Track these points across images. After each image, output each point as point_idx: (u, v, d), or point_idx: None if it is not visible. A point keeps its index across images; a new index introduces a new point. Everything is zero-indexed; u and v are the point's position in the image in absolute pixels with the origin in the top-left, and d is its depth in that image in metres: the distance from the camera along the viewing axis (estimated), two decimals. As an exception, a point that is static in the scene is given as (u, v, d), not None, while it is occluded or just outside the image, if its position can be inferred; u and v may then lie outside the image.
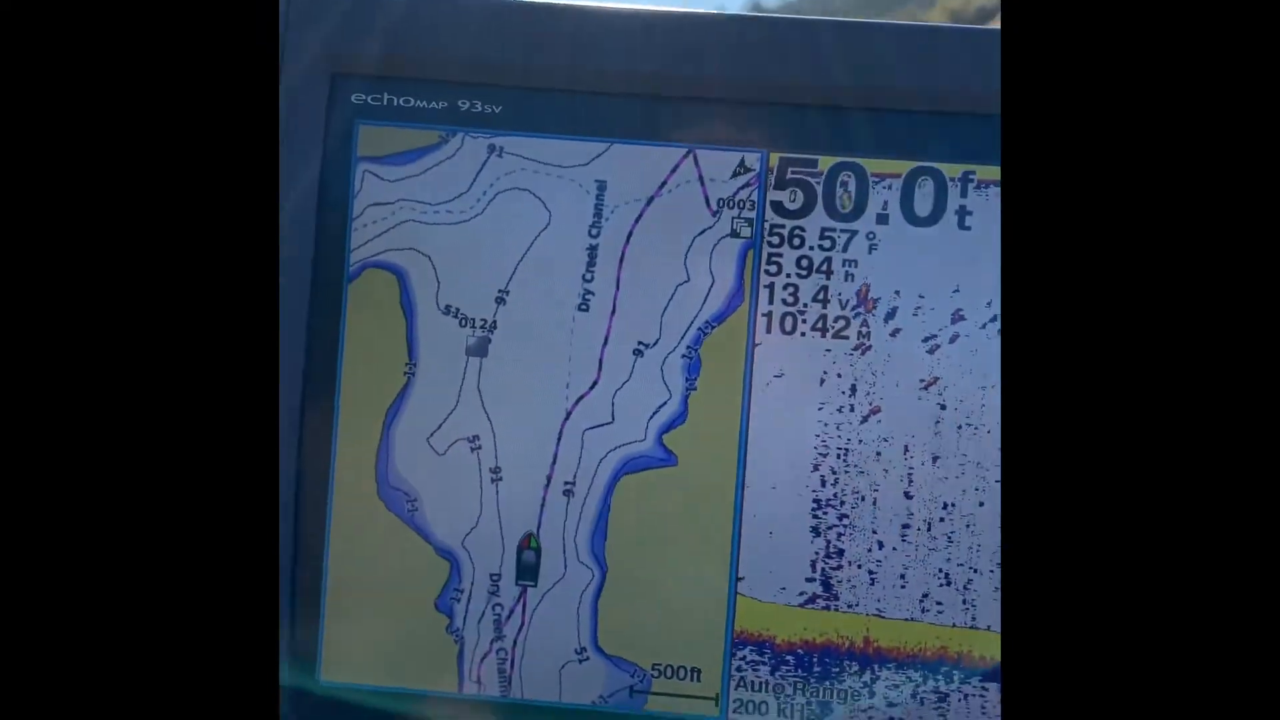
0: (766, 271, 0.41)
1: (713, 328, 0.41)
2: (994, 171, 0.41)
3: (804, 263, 0.41)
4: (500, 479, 0.40)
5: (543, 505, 0.40)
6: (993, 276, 0.41)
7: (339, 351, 0.40)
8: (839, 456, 0.41)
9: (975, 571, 0.41)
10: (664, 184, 0.40)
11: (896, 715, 0.41)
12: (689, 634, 0.41)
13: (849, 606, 0.41)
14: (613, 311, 0.40)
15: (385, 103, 0.40)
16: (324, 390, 0.40)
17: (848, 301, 0.41)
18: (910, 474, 0.41)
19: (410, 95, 0.41)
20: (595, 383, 0.40)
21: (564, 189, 0.40)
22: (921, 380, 0.41)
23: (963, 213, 0.41)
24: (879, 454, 0.41)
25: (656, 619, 0.41)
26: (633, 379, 0.40)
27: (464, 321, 0.40)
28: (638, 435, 0.40)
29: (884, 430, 0.41)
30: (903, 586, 0.41)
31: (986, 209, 0.41)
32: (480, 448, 0.40)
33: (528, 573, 0.41)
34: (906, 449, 0.41)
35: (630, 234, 0.40)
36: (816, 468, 0.41)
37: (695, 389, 0.40)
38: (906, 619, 0.41)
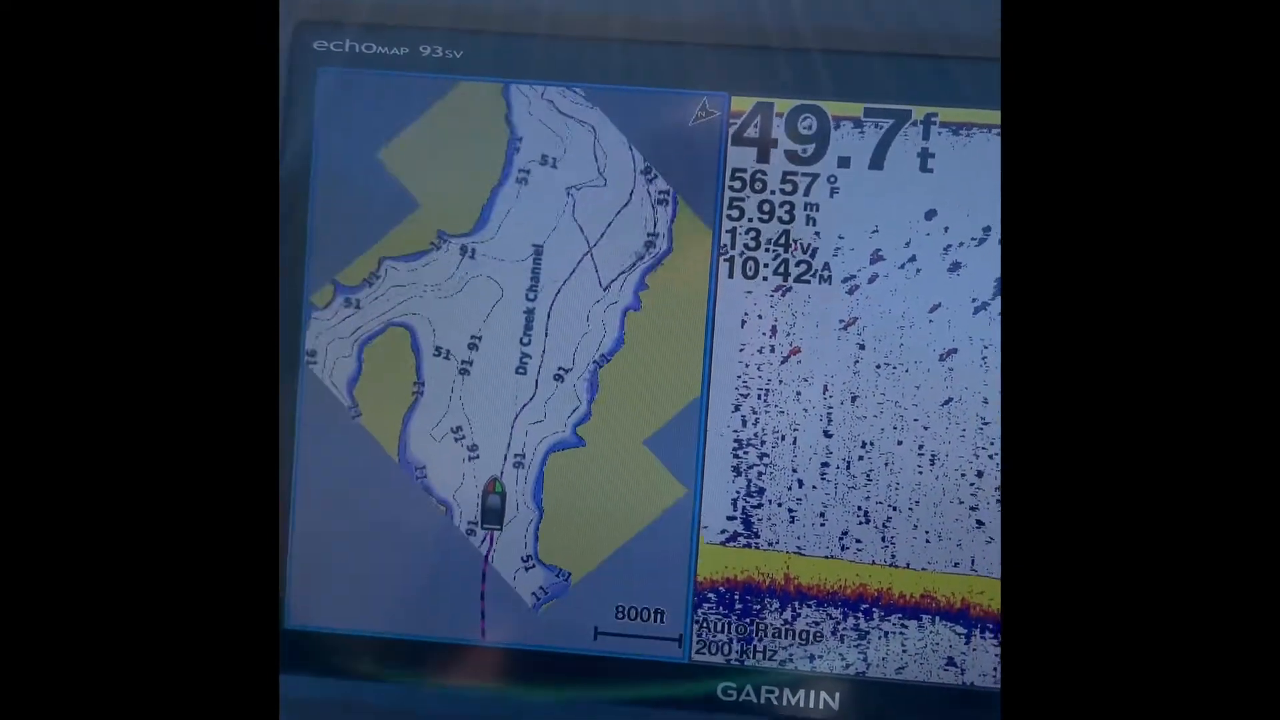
0: (729, 216, 0.42)
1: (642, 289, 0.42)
2: (956, 114, 0.42)
3: (765, 207, 0.42)
4: (476, 456, 0.43)
5: (501, 472, 0.42)
6: (917, 217, 0.41)
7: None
8: (759, 397, 0.41)
9: (894, 509, 0.41)
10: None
11: (816, 653, 0.41)
12: (651, 574, 0.42)
13: (769, 544, 0.41)
14: (540, 365, 0.43)
15: (347, 49, 0.43)
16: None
17: (809, 246, 0.42)
18: (829, 413, 0.41)
19: (371, 41, 0.43)
20: (533, 396, 0.43)
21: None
22: (841, 321, 0.41)
23: (925, 155, 0.41)
24: (799, 394, 0.41)
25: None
26: (556, 393, 0.43)
27: (449, 358, 0.43)
28: (560, 428, 0.42)
29: (803, 370, 0.41)
30: (822, 524, 0.41)
31: (949, 152, 0.42)
32: (462, 436, 0.43)
33: (493, 516, 0.43)
34: (825, 388, 0.41)
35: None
36: (737, 408, 0.41)
37: (596, 399, 0.43)
38: (826, 556, 0.41)
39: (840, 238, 0.41)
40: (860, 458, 0.41)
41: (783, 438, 0.41)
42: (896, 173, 0.42)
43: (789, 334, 0.41)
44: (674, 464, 0.42)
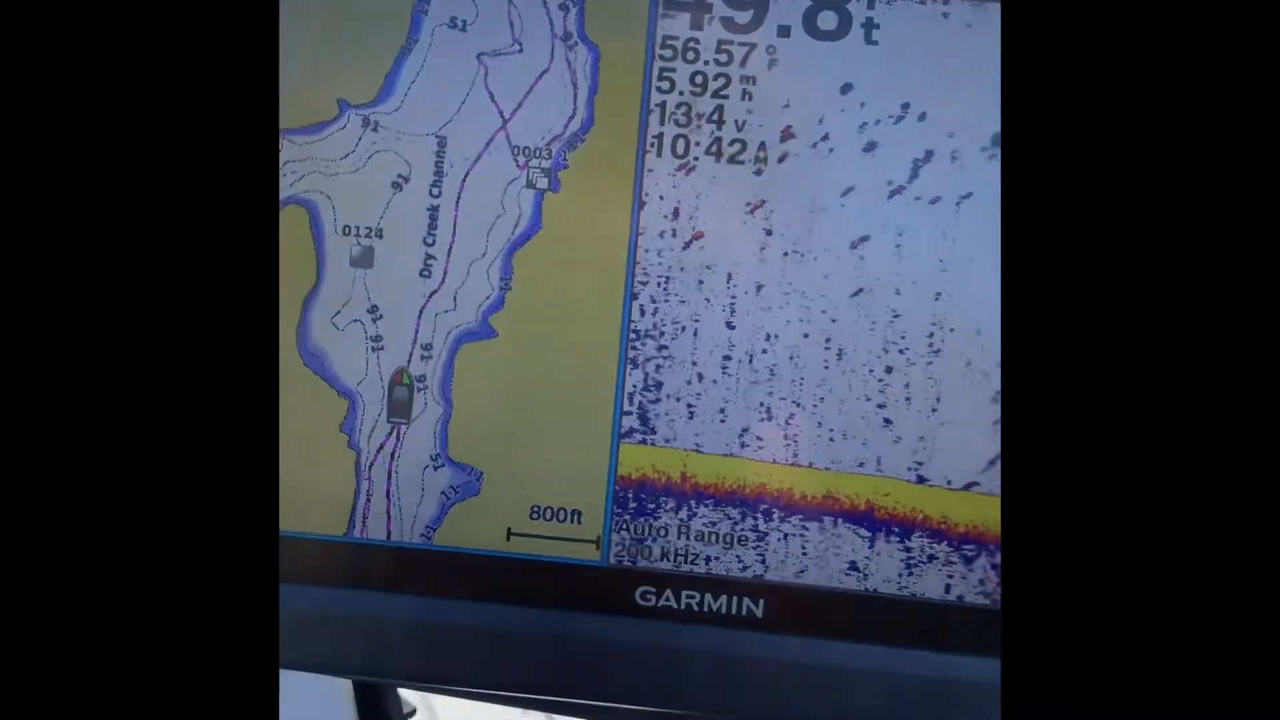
0: (658, 89, 0.39)
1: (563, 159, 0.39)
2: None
3: (698, 79, 0.39)
4: (381, 347, 0.40)
5: (409, 362, 0.41)
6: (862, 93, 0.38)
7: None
8: (659, 284, 0.39)
9: (798, 406, 0.39)
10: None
11: (714, 554, 0.39)
12: (568, 474, 0.41)
13: (666, 441, 0.39)
14: (449, 250, 0.41)
15: None
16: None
17: (742, 123, 0.39)
18: (733, 303, 0.39)
19: None
20: (442, 283, 0.40)
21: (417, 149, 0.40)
22: (747, 204, 0.39)
23: (870, 25, 0.39)
24: (700, 282, 0.39)
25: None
26: (466, 281, 0.40)
27: (351, 235, 0.41)
28: (471, 318, 0.40)
29: (706, 257, 0.39)
30: (722, 421, 0.39)
31: (895, 22, 0.39)
32: (365, 325, 0.41)
33: (400, 410, 0.41)
34: (729, 277, 0.39)
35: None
36: (635, 296, 0.39)
37: (510, 287, 0.40)
38: (725, 454, 0.39)
39: (749, 113, 0.39)
40: (764, 351, 0.39)
41: (683, 329, 0.39)
42: (840, 45, 0.39)
43: (691, 218, 0.39)
44: (591, 356, 0.40)
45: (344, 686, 0.54)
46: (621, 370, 0.39)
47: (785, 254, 0.39)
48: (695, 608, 0.40)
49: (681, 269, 0.39)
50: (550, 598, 0.41)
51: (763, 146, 0.39)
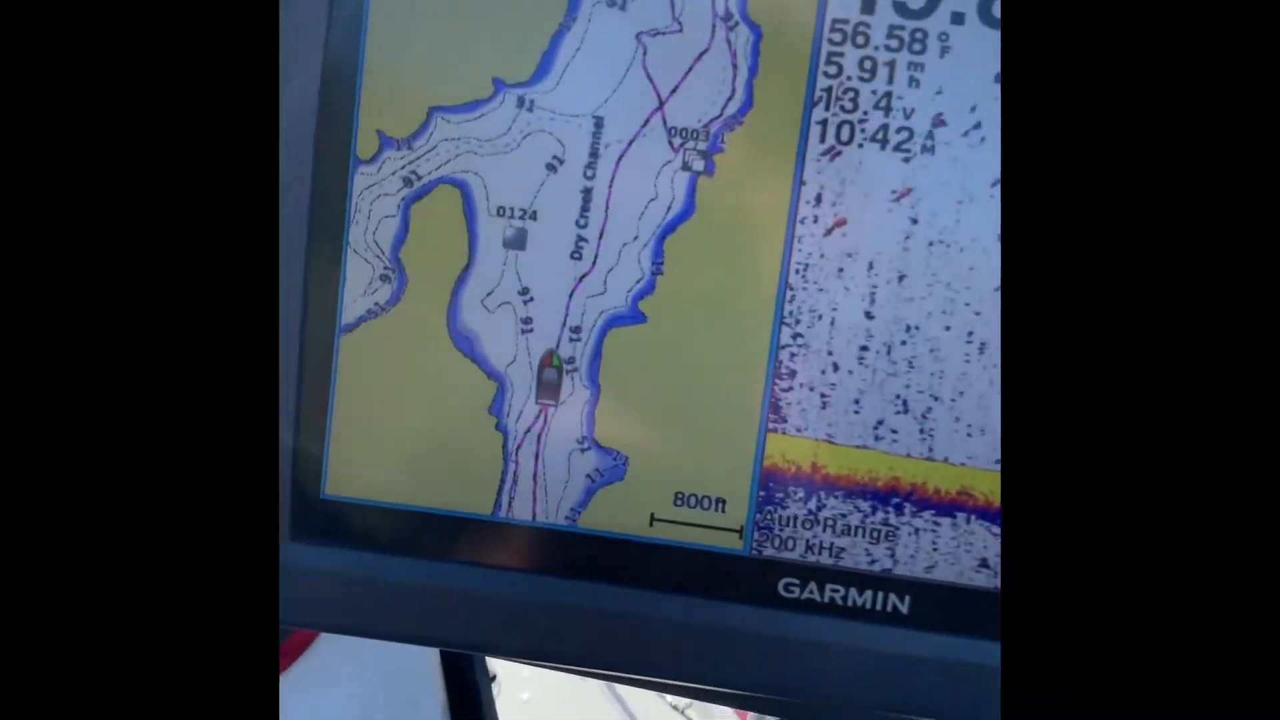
0: (825, 74, 0.38)
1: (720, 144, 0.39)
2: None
3: (867, 64, 0.38)
4: (531, 329, 0.41)
5: (558, 345, 0.41)
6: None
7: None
8: (797, 272, 0.38)
9: (935, 399, 0.38)
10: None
11: (842, 545, 0.39)
12: (714, 461, 0.40)
13: (798, 430, 0.39)
14: (602, 233, 0.40)
15: None
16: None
17: (910, 110, 0.38)
18: (873, 293, 0.38)
19: None
20: (593, 266, 0.40)
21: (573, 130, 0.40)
22: (893, 191, 0.38)
23: None
24: (841, 270, 0.38)
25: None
26: (618, 264, 0.40)
27: (505, 215, 0.41)
28: (620, 302, 0.40)
29: (848, 244, 0.38)
30: (856, 412, 0.38)
31: None
32: (517, 307, 0.41)
33: (549, 391, 0.41)
34: (871, 265, 0.38)
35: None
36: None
37: (661, 272, 0.40)
38: (858, 446, 0.38)
39: (899, 98, 0.38)
40: (903, 342, 0.38)
41: (820, 317, 0.38)
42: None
43: (835, 204, 0.38)
44: (741, 343, 0.40)
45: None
46: (772, 359, 0.39)
47: (930, 244, 0.38)
48: (839, 601, 0.40)
49: (821, 255, 0.38)
50: (692, 585, 0.41)
51: (930, 135, 0.38)
